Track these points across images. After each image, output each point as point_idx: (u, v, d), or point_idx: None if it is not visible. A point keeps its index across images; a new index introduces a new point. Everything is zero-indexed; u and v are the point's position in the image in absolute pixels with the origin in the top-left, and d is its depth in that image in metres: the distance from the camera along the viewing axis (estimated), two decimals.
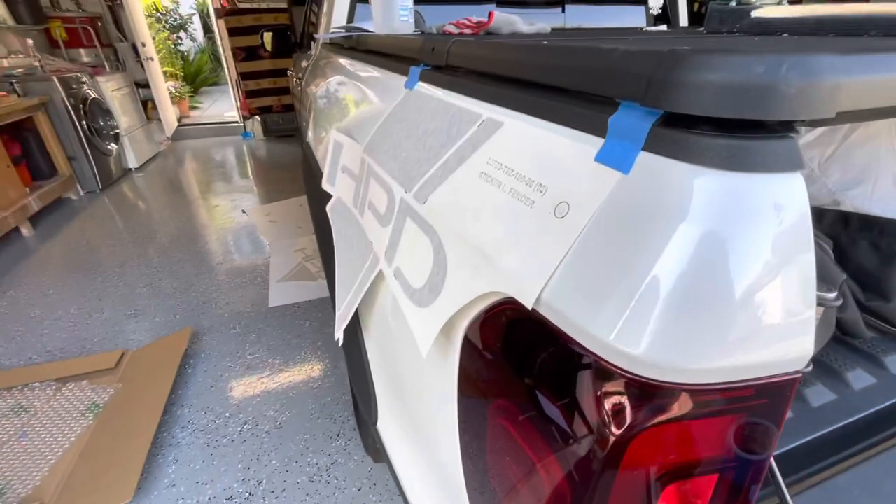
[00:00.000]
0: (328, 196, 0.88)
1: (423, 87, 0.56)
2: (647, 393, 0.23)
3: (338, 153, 0.77)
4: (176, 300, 2.28)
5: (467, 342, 0.37)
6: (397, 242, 0.51)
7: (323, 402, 1.66)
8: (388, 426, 0.74)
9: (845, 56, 0.22)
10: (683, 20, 1.94)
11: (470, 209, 0.37)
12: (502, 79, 0.41)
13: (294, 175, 4.24)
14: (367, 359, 0.77)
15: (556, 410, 0.29)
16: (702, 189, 0.23)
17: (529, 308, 0.29)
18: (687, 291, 0.22)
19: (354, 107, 0.80)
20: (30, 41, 3.96)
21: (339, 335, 0.74)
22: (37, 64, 3.77)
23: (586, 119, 0.30)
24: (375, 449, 1.20)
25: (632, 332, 0.23)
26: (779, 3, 0.66)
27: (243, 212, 3.40)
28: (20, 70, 3.58)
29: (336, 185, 0.78)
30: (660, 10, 1.89)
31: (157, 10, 8.27)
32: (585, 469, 0.26)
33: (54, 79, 3.39)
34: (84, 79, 3.77)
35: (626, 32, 1.17)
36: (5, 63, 3.75)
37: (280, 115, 5.51)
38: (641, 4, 1.93)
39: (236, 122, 5.82)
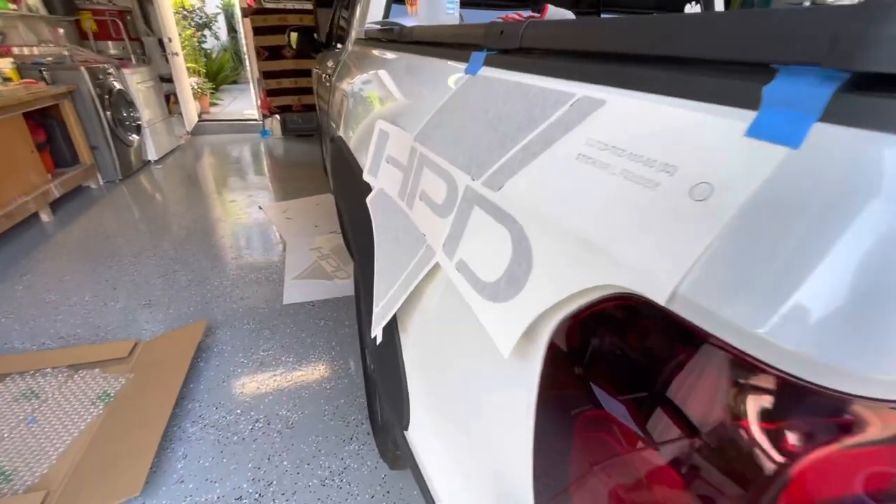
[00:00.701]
0: (362, 189, 0.85)
1: (490, 72, 0.53)
2: (837, 408, 0.19)
3: (382, 143, 0.74)
4: (190, 292, 2.27)
5: (555, 343, 0.33)
6: (460, 233, 0.47)
7: (336, 404, 1.62)
8: (422, 432, 0.70)
9: None
10: None
11: (565, 194, 0.34)
12: (598, 55, 0.37)
13: (311, 173, 4.24)
14: (401, 358, 0.73)
15: (687, 426, 0.24)
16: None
17: (662, 304, 0.25)
18: (891, 285, 0.18)
19: (401, 96, 0.77)
20: (60, 31, 4.03)
21: (377, 331, 0.70)
22: (66, 53, 3.82)
23: (726, 90, 0.26)
24: (395, 455, 1.16)
25: (819, 335, 0.19)
26: None
27: (260, 208, 3.40)
28: (49, 58, 3.63)
29: (379, 176, 0.75)
30: None
31: (184, 7, 8.42)
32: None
33: (82, 68, 3.43)
34: (111, 70, 3.82)
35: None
36: (36, 51, 3.81)
37: (300, 115, 5.54)
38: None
39: (255, 119, 5.87)
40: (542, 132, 0.39)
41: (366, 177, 0.79)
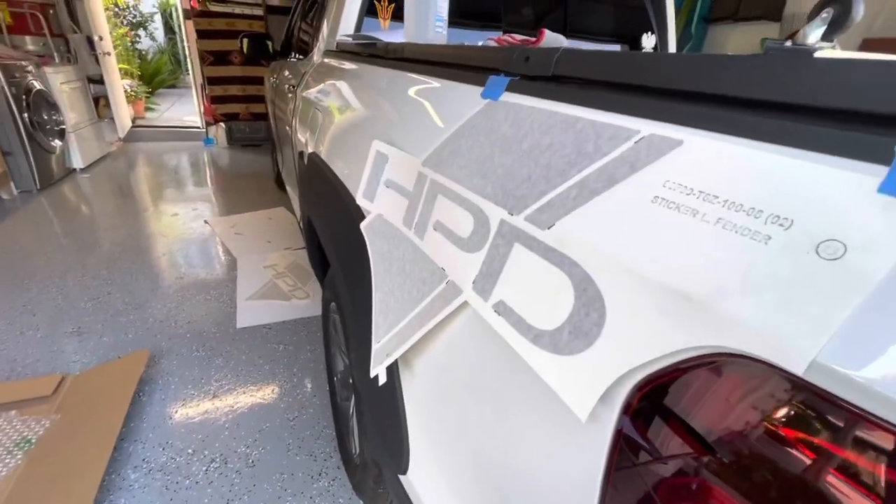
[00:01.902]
0: (352, 213, 0.79)
1: (515, 98, 0.50)
2: None
3: (380, 165, 0.69)
4: (128, 318, 2.04)
5: (632, 406, 0.31)
6: (497, 271, 0.43)
7: (301, 437, 1.50)
8: (428, 480, 0.64)
9: None
10: None
11: (641, 240, 0.31)
12: (662, 91, 0.36)
13: (261, 185, 4.03)
14: (401, 399, 0.67)
15: None
16: None
17: (799, 373, 0.22)
18: None
19: (397, 116, 0.73)
20: None
21: (378, 371, 0.64)
22: None
23: (846, 141, 0.25)
24: (375, 493, 1.08)
25: None
26: (832, 48, 0.66)
27: (205, 222, 3.17)
28: None
29: (376, 201, 0.70)
30: (653, 49, 1.98)
31: (116, 4, 7.82)
32: None
33: None
34: (29, 68, 3.43)
35: None
36: None
37: (248, 124, 5.28)
38: (624, 44, 2.01)
39: (198, 127, 5.52)
40: (600, 169, 0.36)
41: (360, 200, 0.73)
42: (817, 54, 0.64)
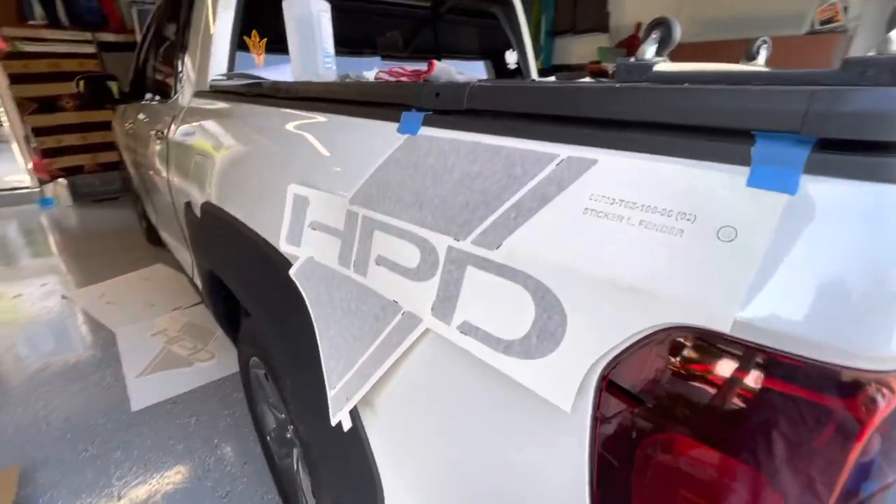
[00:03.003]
0: (275, 261, 0.76)
1: (434, 132, 0.54)
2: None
3: (301, 208, 0.68)
4: None
5: (606, 390, 0.36)
6: (455, 295, 0.46)
7: None
8: None
9: None
10: (534, 74, 2.27)
11: (583, 246, 0.37)
12: (568, 119, 0.42)
13: (126, 244, 3.53)
14: (367, 443, 0.66)
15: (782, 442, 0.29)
16: (878, 197, 0.27)
17: (727, 332, 0.29)
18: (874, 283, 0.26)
19: (308, 157, 0.72)
20: None
21: (341, 418, 0.62)
22: None
23: (716, 150, 0.32)
24: None
25: (891, 332, 0.25)
26: (664, 61, 0.82)
27: (63, 297, 2.68)
28: None
29: (303, 245, 0.68)
30: (515, 65, 2.19)
31: None
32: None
33: None
34: None
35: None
36: None
37: (97, 176, 4.59)
38: (489, 59, 2.22)
39: (28, 187, 4.64)
40: (532, 190, 0.41)
41: (283, 247, 0.70)
42: (656, 67, 0.78)
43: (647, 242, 0.34)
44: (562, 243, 0.38)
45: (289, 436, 1.26)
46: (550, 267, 0.38)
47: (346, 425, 0.63)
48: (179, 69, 1.62)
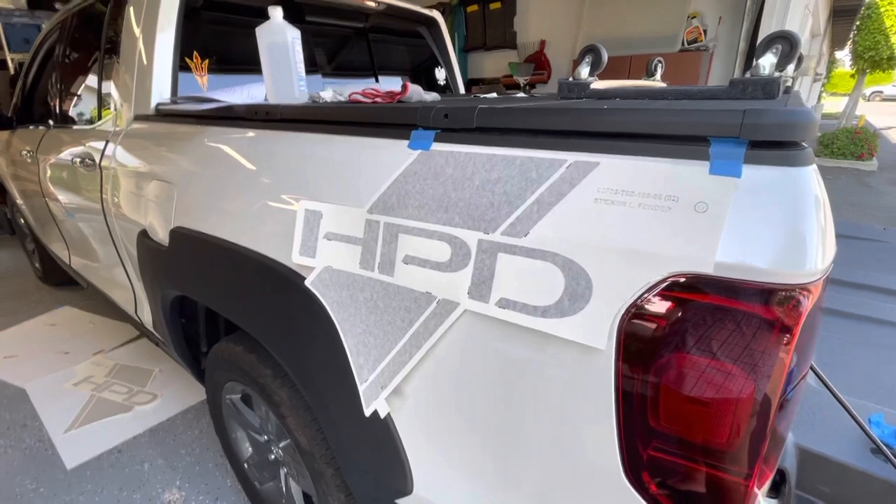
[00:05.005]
0: (281, 274, 0.79)
1: (448, 147, 0.63)
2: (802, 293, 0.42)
3: (314, 222, 0.73)
4: None
5: (626, 332, 0.48)
6: (489, 278, 0.56)
7: None
8: (438, 487, 0.72)
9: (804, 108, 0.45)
10: (462, 89, 2.45)
11: (596, 226, 0.49)
12: (570, 133, 0.55)
13: (17, 289, 3.08)
14: (393, 424, 0.73)
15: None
16: (787, 176, 0.42)
17: (710, 272, 0.43)
18: (816, 222, 0.41)
19: (313, 176, 0.77)
20: None
21: (377, 406, 0.68)
22: None
23: (687, 151, 0.47)
24: None
25: (804, 255, 0.40)
26: (595, 80, 1.01)
27: None
28: None
29: (318, 255, 0.73)
30: (444, 81, 2.35)
31: None
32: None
33: None
34: None
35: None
36: None
37: None
38: (420, 75, 2.35)
39: None
40: (549, 188, 0.53)
41: (297, 259, 0.75)
42: (592, 85, 0.95)
43: (646, 219, 0.47)
44: (580, 226, 0.50)
45: (272, 457, 1.24)
46: (573, 244, 0.50)
47: (383, 412, 0.70)
48: (101, 95, 1.53)
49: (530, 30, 4.52)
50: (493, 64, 4.85)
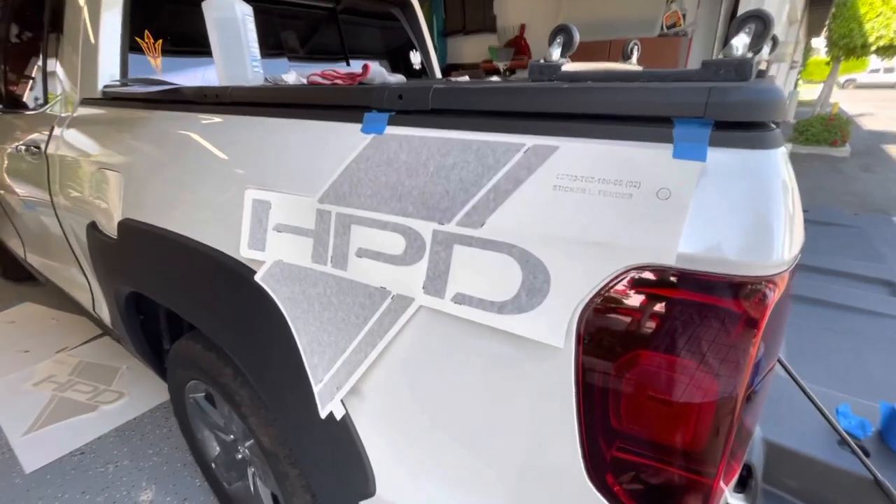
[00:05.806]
0: (230, 268, 0.74)
1: (402, 130, 0.59)
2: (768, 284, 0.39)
3: (262, 213, 0.67)
4: None
5: (586, 329, 0.45)
6: (445, 272, 0.52)
7: None
8: (402, 488, 0.69)
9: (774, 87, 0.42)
10: (438, 73, 2.38)
11: (555, 215, 0.45)
12: (529, 114, 0.51)
13: None
14: (352, 425, 0.69)
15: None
16: (754, 159, 0.39)
17: (672, 264, 0.40)
18: (783, 209, 0.38)
19: (264, 162, 0.72)
20: None
21: (332, 408, 0.64)
22: None
23: (648, 133, 0.43)
24: None
25: (770, 246, 0.37)
26: (567, 62, 0.97)
27: None
28: None
29: (267, 248, 0.68)
30: (420, 66, 2.28)
31: None
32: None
33: None
34: None
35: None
36: None
37: None
38: (395, 59, 2.28)
39: None
40: (506, 174, 0.49)
41: (245, 252, 0.70)
42: (563, 67, 0.91)
43: (606, 206, 0.43)
44: (538, 215, 0.47)
45: (240, 457, 1.20)
46: (530, 235, 0.47)
47: (339, 414, 0.66)
48: (47, 76, 1.42)
49: (510, 13, 4.44)
50: (474, 48, 4.76)
